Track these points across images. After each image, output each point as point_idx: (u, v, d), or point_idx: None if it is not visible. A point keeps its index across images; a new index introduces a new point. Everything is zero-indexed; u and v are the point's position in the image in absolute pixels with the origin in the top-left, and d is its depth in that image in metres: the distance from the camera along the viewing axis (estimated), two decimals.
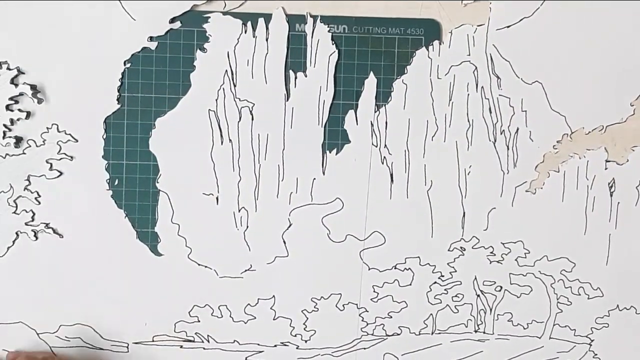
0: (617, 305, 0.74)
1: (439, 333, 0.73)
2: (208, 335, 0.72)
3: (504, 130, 0.72)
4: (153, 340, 0.72)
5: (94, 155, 0.71)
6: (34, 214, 0.71)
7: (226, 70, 0.70)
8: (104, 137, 0.71)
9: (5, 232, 0.71)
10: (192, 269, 0.72)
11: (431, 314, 0.73)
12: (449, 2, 0.71)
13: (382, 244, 0.73)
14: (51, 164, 0.71)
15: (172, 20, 0.70)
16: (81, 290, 0.71)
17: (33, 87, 0.69)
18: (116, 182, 0.71)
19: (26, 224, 0.71)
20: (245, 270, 0.73)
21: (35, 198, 0.71)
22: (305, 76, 0.71)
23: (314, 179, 0.72)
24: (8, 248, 0.71)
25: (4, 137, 0.70)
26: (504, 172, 0.73)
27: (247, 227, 0.72)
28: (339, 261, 0.73)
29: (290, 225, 0.72)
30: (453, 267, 0.73)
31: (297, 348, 0.73)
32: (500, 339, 0.74)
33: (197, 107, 0.71)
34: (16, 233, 0.71)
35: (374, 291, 0.73)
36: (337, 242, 0.73)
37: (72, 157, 0.71)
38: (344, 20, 0.71)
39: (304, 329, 0.73)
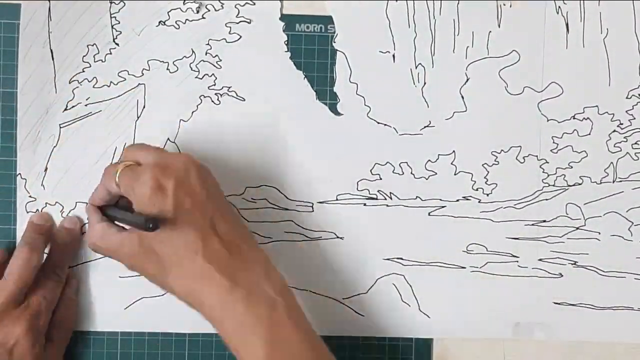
0: None
1: (620, 181, 0.73)
2: (390, 193, 0.73)
3: None
4: (337, 199, 0.73)
5: (271, 17, 0.72)
6: (215, 78, 0.72)
7: None
8: None
9: (189, 96, 0.72)
10: (372, 127, 0.73)
11: (612, 163, 0.73)
12: None
13: (560, 94, 0.73)
14: (230, 28, 0.72)
15: None
16: (264, 152, 0.72)
17: None
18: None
19: (209, 87, 0.72)
20: (425, 127, 0.73)
21: (217, 62, 0.72)
22: None
23: (490, 32, 0.72)
24: (192, 113, 0.72)
25: (184, 3, 0.71)
26: None
27: (425, 83, 0.73)
28: (517, 113, 0.73)
29: (467, 79, 0.73)
30: (632, 114, 0.73)
31: (479, 202, 0.73)
32: None
33: None
34: (200, 98, 0.72)
35: (554, 142, 0.73)
36: (514, 94, 0.73)
37: (250, 20, 0.72)
38: None
39: (485, 182, 0.73)
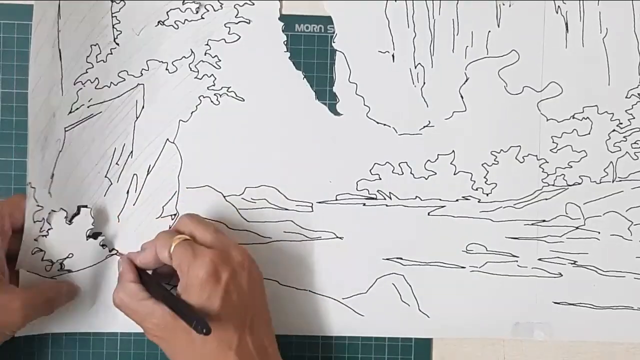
0: None
1: (620, 180, 0.73)
2: (390, 193, 0.73)
3: None
4: (336, 199, 0.73)
5: (270, 17, 0.72)
6: (215, 78, 0.72)
7: None
8: None
9: (188, 97, 0.72)
10: (371, 127, 0.73)
11: (611, 162, 0.73)
12: None
13: (560, 94, 0.73)
14: (229, 28, 0.72)
15: None
16: (264, 152, 0.72)
17: None
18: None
19: (208, 88, 0.72)
20: (424, 127, 0.73)
21: (216, 62, 0.72)
22: None
23: (489, 31, 0.72)
24: (192, 113, 0.72)
25: (183, 3, 0.71)
26: None
27: (424, 83, 0.73)
28: (517, 113, 0.73)
29: (467, 79, 0.73)
30: (631, 114, 0.73)
31: (478, 202, 0.73)
32: None
33: None
34: (199, 98, 0.72)
35: (553, 142, 0.73)
36: (514, 94, 0.73)
37: (249, 21, 0.72)
38: None
39: (485, 182, 0.73)
